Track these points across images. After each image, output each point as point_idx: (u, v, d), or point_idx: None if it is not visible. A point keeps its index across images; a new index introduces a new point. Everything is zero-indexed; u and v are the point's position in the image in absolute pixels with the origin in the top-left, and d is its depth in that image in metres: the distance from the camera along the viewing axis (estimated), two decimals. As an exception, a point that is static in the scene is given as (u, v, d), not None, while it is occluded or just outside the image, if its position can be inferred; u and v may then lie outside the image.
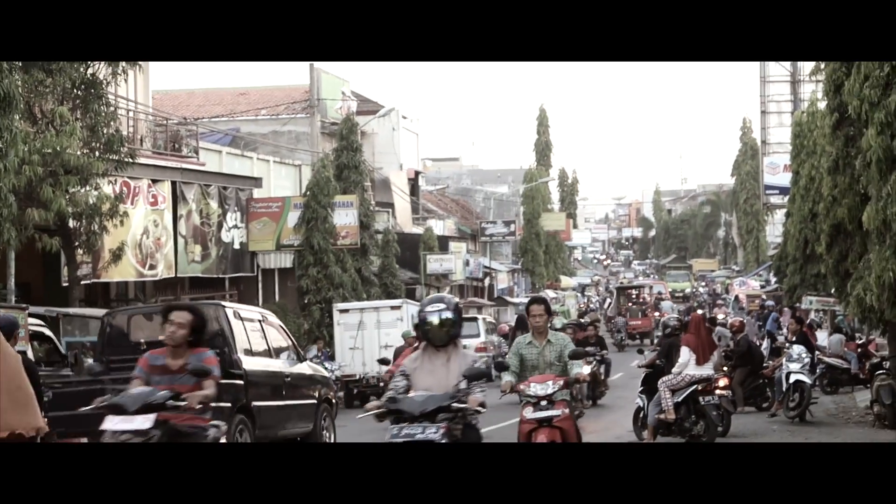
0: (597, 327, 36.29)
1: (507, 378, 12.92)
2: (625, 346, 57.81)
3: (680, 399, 20.30)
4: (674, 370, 20.57)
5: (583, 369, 13.69)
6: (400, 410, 10.19)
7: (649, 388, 21.39)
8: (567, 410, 12.72)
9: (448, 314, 10.65)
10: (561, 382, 12.66)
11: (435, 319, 10.61)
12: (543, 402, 12.59)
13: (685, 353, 20.45)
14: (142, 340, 18.71)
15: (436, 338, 10.69)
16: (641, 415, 21.51)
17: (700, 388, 20.29)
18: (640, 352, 26.57)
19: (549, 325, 13.34)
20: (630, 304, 72.08)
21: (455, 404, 10.14)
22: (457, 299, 11.39)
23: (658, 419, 20.48)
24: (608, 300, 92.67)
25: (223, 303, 21.42)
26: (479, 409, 10.24)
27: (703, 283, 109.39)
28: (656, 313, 65.28)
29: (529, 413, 12.67)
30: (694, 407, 20.35)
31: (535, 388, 12.66)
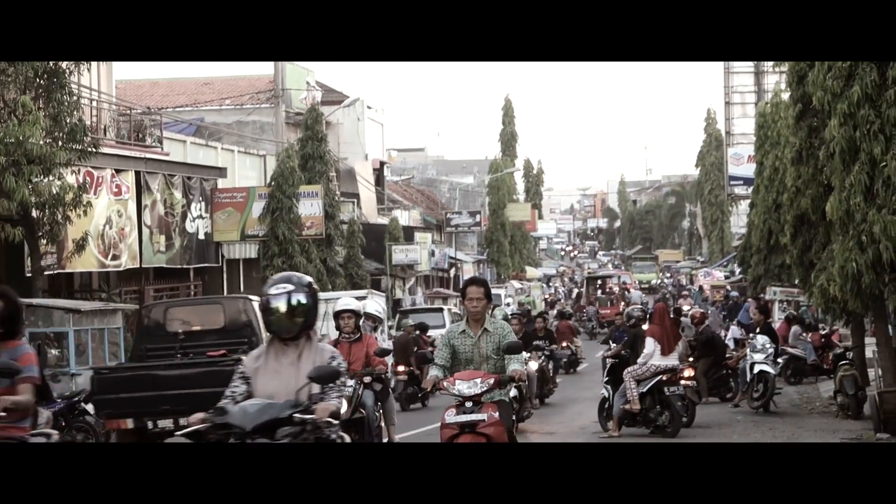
0: (546, 319, 34.72)
1: (433, 373, 11.23)
2: (596, 334, 58.16)
3: (645, 389, 20.41)
4: (639, 360, 20.68)
5: (527, 366, 12.97)
6: (228, 425, 7.92)
7: (614, 378, 21.43)
8: (497, 414, 10.85)
9: (300, 297, 8.21)
10: (491, 381, 10.89)
11: (281, 305, 8.15)
12: (469, 404, 10.84)
13: (650, 344, 20.57)
14: (179, 331, 20.61)
15: (282, 328, 8.25)
16: (606, 405, 21.54)
17: (665, 378, 20.40)
18: (606, 342, 26.58)
19: (488, 312, 11.45)
20: (599, 294, 74.46)
21: (298, 415, 7.91)
22: (309, 279, 8.56)
23: (623, 410, 20.57)
24: (574, 290, 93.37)
25: (250, 296, 21.53)
26: (329, 420, 8.05)
27: (668, 274, 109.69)
28: (622, 303, 65.11)
29: (451, 416, 10.93)
30: (659, 397, 20.46)
31: (461, 386, 10.90)
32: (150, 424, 19.16)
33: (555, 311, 55.93)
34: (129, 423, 19.14)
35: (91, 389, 20.17)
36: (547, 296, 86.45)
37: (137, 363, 20.28)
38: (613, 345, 25.38)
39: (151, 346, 20.82)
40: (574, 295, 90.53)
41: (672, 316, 23.76)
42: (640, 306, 25.37)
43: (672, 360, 20.68)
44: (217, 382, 13.63)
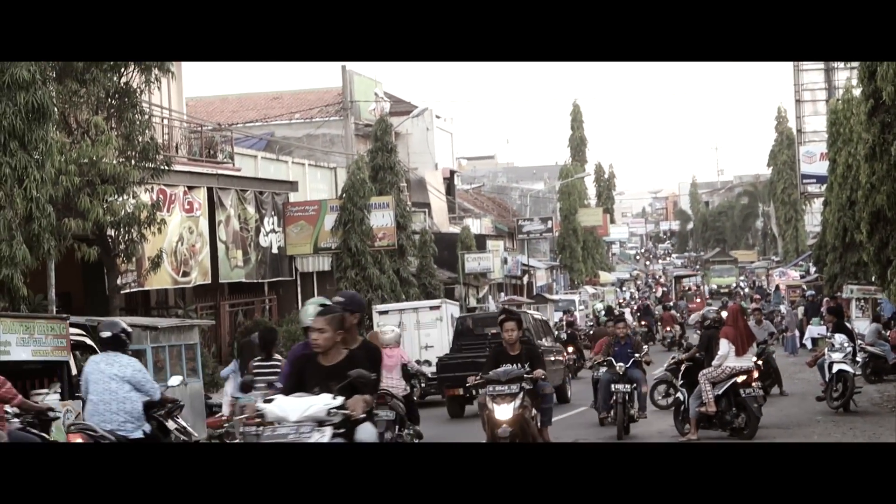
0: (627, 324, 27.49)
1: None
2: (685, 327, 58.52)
3: (720, 392, 20.27)
4: (714, 362, 20.53)
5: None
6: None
7: (689, 381, 21.30)
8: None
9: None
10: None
11: None
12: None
13: (724, 346, 20.41)
14: (486, 332, 30.49)
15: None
16: (682, 409, 21.39)
17: (739, 380, 20.25)
18: (679, 346, 26.54)
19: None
20: (686, 290, 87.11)
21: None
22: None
23: (699, 412, 20.43)
24: (654, 291, 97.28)
25: (529, 311, 31.23)
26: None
27: (743, 276, 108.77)
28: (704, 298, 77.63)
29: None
30: (735, 399, 20.30)
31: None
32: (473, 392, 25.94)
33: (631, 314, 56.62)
34: (460, 391, 27.52)
35: (436, 369, 30.63)
36: (621, 300, 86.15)
37: (459, 354, 30.47)
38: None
39: (465, 343, 31.22)
40: (659, 293, 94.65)
41: (744, 317, 23.56)
42: (714, 308, 25.37)
43: (746, 362, 20.55)
44: None
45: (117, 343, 13.83)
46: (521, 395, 14.55)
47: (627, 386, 21.99)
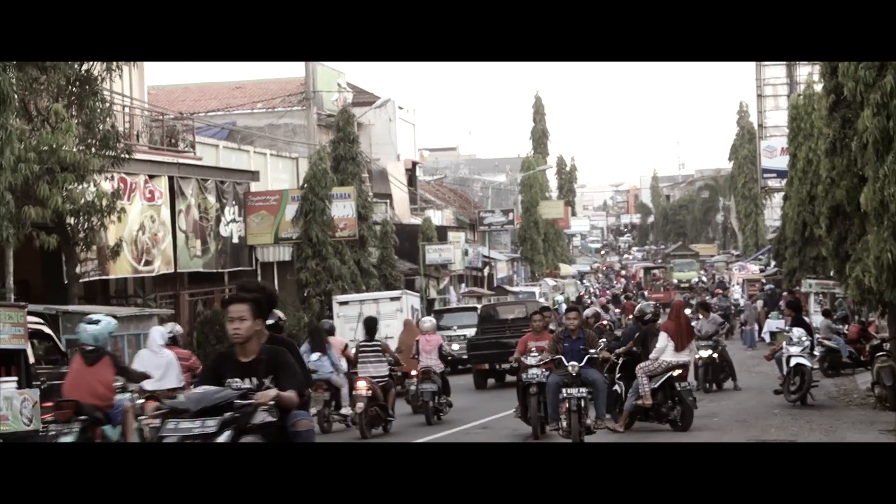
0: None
1: None
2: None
3: (657, 385, 20.64)
4: (651, 356, 20.92)
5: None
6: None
7: (626, 374, 21.64)
8: None
9: None
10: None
11: None
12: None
13: (663, 339, 20.88)
14: (506, 317, 37.20)
15: None
16: (620, 402, 21.54)
17: (676, 374, 20.63)
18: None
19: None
20: (654, 281, 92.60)
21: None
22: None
23: (636, 405, 20.76)
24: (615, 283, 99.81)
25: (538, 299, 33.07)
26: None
27: (703, 270, 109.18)
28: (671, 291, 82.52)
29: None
30: (670, 392, 20.69)
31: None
32: (495, 366, 34.40)
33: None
34: (486, 366, 34.84)
35: (467, 348, 37.35)
36: (581, 292, 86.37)
37: (485, 336, 35.60)
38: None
39: (488, 326, 36.62)
40: (621, 285, 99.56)
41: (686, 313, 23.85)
42: (653, 303, 25.33)
43: (684, 357, 21.01)
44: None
45: (278, 329, 14.56)
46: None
47: (582, 390, 18.41)
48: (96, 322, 15.85)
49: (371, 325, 24.66)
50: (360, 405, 22.11)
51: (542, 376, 19.60)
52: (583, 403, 18.44)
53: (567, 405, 18.50)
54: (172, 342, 19.65)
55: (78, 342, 16.05)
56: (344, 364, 24.05)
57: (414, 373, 25.58)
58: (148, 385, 16.84)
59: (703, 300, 39.40)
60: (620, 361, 22.06)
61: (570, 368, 18.58)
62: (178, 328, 21.33)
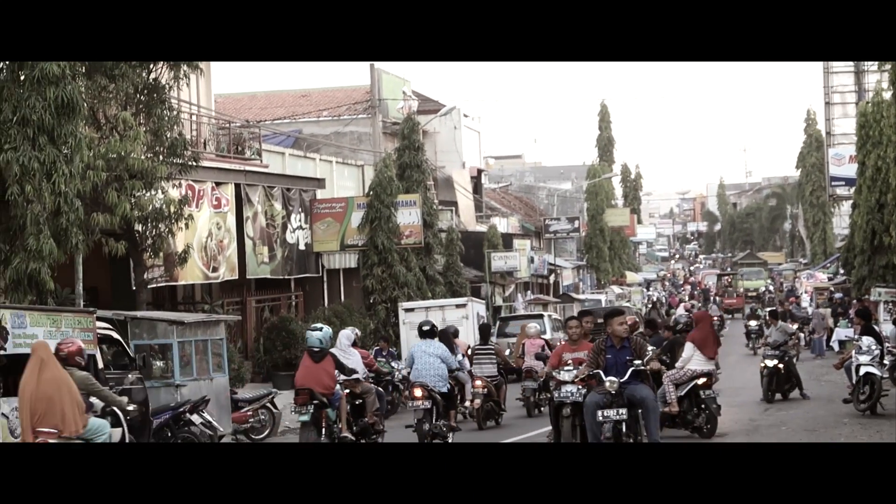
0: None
1: None
2: (724, 319, 70.59)
3: (683, 393, 21.35)
4: (677, 364, 21.74)
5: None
6: None
7: (655, 382, 21.93)
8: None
9: None
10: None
11: None
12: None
13: (689, 349, 21.67)
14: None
15: None
16: None
17: (700, 382, 21.31)
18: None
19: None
20: (726, 287, 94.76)
21: None
22: None
23: (662, 412, 21.00)
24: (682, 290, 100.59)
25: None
26: None
27: (770, 278, 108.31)
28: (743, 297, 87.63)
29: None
30: (696, 400, 21.34)
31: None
32: None
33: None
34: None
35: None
36: (654, 298, 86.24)
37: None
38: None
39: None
40: (687, 291, 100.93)
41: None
42: (686, 313, 26.26)
43: (710, 365, 21.70)
44: None
45: (432, 334, 21.73)
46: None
47: (622, 411, 15.47)
48: (319, 329, 19.74)
49: (485, 330, 29.45)
50: (478, 401, 25.22)
51: (578, 395, 16.99)
52: (623, 428, 15.40)
53: (603, 431, 15.58)
54: (353, 344, 23.25)
55: (306, 344, 19.75)
56: (466, 363, 26.44)
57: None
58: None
59: (773, 309, 39.16)
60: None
61: (607, 384, 15.48)
62: (357, 332, 24.80)
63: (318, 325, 20.59)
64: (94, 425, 14.86)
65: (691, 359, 21.54)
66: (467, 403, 25.17)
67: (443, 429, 20.73)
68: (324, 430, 18.97)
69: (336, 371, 19.41)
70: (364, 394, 20.71)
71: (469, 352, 27.70)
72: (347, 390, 20.03)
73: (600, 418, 15.36)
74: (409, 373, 22.14)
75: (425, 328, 21.92)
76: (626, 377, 15.40)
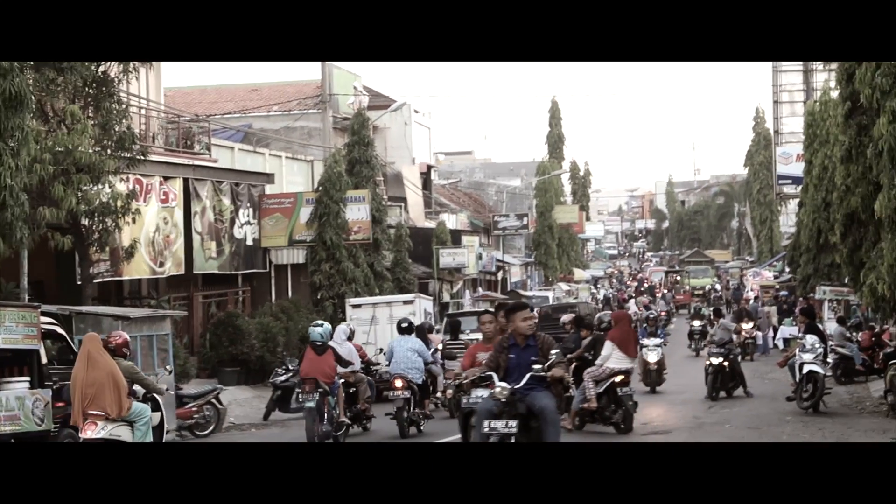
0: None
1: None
2: (672, 314, 73.46)
3: (602, 389, 22.17)
4: (596, 362, 22.60)
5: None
6: None
7: (577, 378, 22.82)
8: None
9: None
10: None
11: None
12: None
13: (608, 347, 22.51)
14: (558, 316, 35.62)
15: None
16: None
17: (617, 379, 22.10)
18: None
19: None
20: (674, 283, 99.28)
21: None
22: None
23: (582, 408, 22.32)
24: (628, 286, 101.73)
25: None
26: None
27: (717, 277, 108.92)
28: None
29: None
30: (613, 397, 22.13)
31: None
32: None
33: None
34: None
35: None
36: (609, 294, 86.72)
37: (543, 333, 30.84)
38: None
39: (545, 324, 35.47)
40: (633, 286, 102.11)
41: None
42: (609, 313, 27.23)
43: (627, 363, 22.58)
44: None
45: (410, 331, 24.19)
46: None
47: (512, 424, 12.57)
48: (321, 325, 22.07)
49: (455, 326, 31.54)
50: (449, 392, 25.07)
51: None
52: (512, 441, 12.51)
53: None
54: (348, 338, 25.82)
55: (309, 339, 22.00)
56: (439, 357, 27.95)
57: None
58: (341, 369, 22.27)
59: (716, 307, 39.51)
60: (573, 367, 23.13)
61: (497, 391, 12.79)
62: (352, 328, 28.00)
63: (320, 321, 23.31)
64: (136, 409, 16.42)
65: (610, 357, 22.30)
66: (439, 393, 26.83)
67: (419, 416, 23.77)
68: (325, 414, 21.12)
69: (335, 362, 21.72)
70: (357, 383, 23.78)
71: (441, 346, 29.35)
72: (343, 380, 22.49)
73: (485, 430, 12.57)
74: (388, 365, 24.77)
75: (403, 325, 24.52)
76: (523, 383, 12.73)
